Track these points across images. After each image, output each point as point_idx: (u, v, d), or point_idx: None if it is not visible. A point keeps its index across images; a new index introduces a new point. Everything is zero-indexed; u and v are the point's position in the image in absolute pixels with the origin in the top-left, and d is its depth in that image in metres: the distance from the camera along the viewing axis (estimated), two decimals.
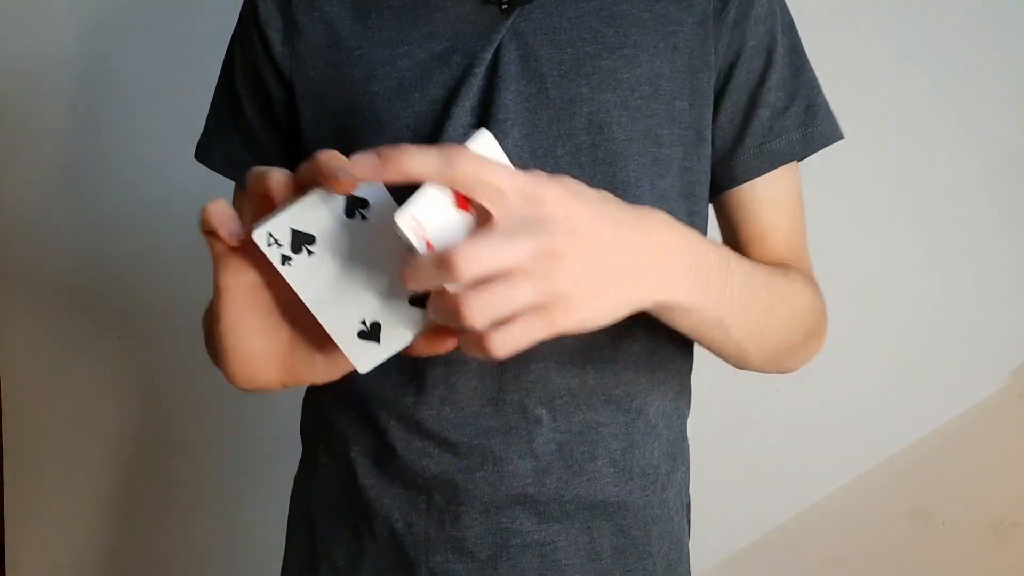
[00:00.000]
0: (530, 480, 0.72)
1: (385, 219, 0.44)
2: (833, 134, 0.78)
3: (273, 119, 0.79)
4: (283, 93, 0.77)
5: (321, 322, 0.46)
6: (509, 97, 0.70)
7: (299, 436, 0.84)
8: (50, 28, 1.34)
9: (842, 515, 1.37)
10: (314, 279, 0.45)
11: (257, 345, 0.49)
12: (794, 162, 0.78)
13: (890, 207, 1.32)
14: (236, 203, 0.83)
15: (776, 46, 0.76)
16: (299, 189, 0.46)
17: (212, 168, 0.82)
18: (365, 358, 0.47)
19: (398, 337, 0.47)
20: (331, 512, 0.78)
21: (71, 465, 1.42)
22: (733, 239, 0.80)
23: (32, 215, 1.38)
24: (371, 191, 0.45)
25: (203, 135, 0.83)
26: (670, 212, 0.71)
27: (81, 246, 1.37)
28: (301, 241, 0.44)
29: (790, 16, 0.79)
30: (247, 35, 0.78)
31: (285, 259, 0.45)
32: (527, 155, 0.71)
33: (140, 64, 1.33)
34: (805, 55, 0.79)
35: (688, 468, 0.83)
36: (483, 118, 0.70)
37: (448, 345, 0.47)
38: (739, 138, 0.76)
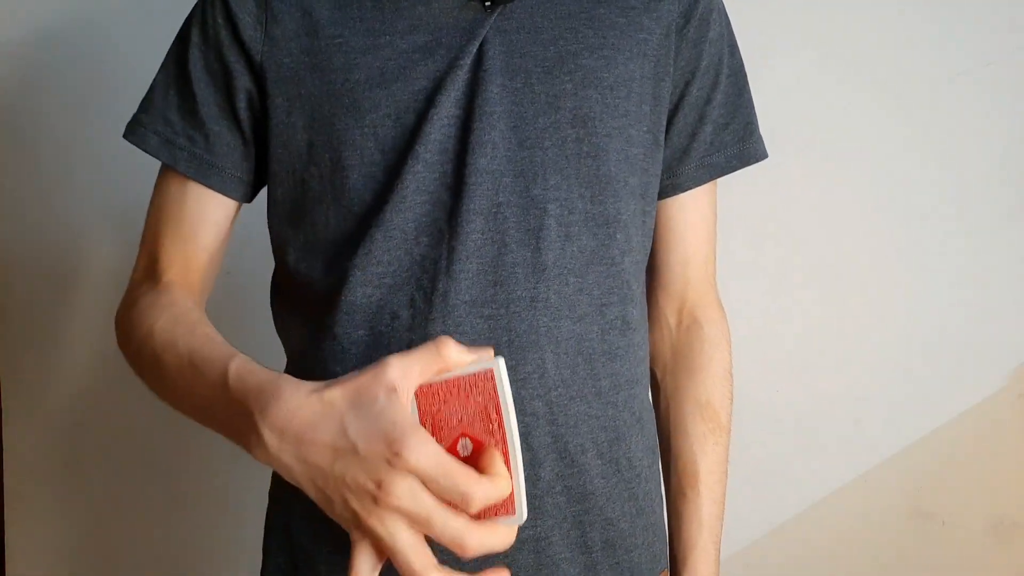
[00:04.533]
0: (525, 474, 0.72)
1: None
2: (762, 152, 0.86)
3: (228, 106, 0.78)
4: (249, 79, 0.77)
5: None
6: (495, 91, 0.72)
7: None
8: (50, 22, 1.34)
9: (842, 515, 1.37)
10: None
11: None
12: (715, 182, 0.85)
13: (890, 206, 1.32)
14: (164, 183, 0.81)
15: (723, 67, 0.82)
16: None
17: (145, 150, 0.80)
18: None
19: None
20: (311, 524, 0.77)
21: (71, 464, 1.42)
22: (659, 263, 0.86)
23: (32, 214, 1.38)
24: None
25: (139, 114, 0.81)
26: (634, 211, 0.78)
27: (81, 246, 1.37)
28: None
29: (735, 40, 0.85)
30: (211, 17, 0.77)
31: None
32: (515, 146, 0.73)
33: (142, 63, 1.33)
34: (746, 76, 0.85)
35: (660, 465, 0.87)
36: (468, 110, 0.72)
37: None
38: (686, 150, 0.83)
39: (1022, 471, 1.34)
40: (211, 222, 0.80)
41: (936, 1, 1.28)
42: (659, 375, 0.89)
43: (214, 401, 0.61)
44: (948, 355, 1.33)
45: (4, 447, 1.41)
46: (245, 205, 0.84)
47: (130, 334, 0.74)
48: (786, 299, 1.34)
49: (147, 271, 0.80)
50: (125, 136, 0.81)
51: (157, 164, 1.36)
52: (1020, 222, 1.31)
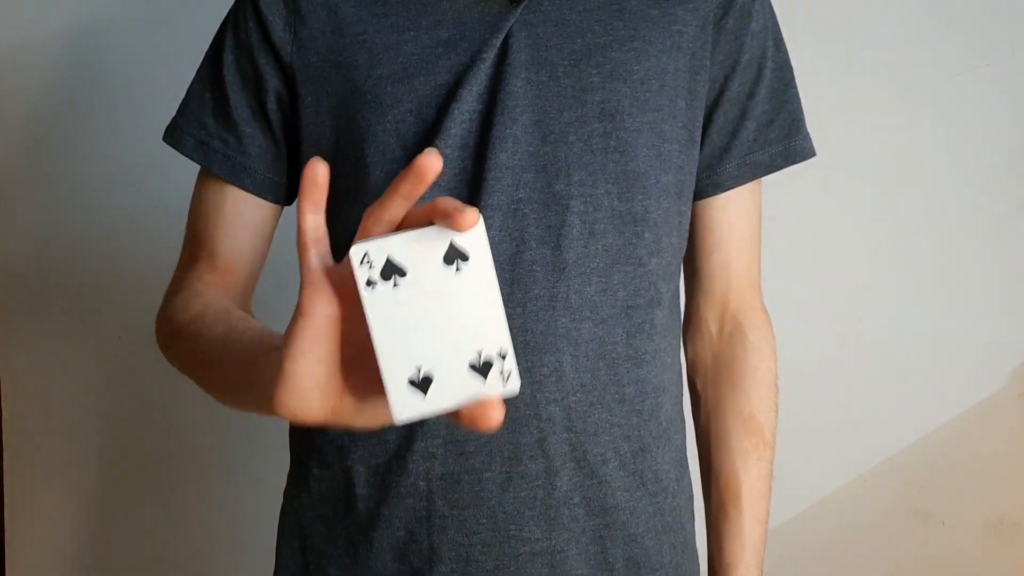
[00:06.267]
0: (540, 482, 0.70)
1: (478, 277, 0.45)
2: (810, 150, 0.81)
3: (260, 108, 0.78)
4: (279, 80, 0.77)
5: (377, 353, 0.45)
6: (518, 84, 0.70)
7: None
8: (49, 22, 1.33)
9: (842, 515, 1.37)
10: (389, 310, 0.45)
11: (319, 376, 0.47)
12: (759, 182, 0.81)
13: (890, 206, 1.32)
14: (202, 185, 0.81)
15: (767, 61, 0.79)
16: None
17: (182, 152, 0.80)
18: (405, 406, 0.46)
19: (444, 399, 0.46)
20: (324, 526, 0.76)
21: (71, 465, 1.42)
22: (699, 266, 0.83)
23: (32, 215, 1.38)
24: (475, 247, 0.44)
25: (177, 117, 0.82)
26: (667, 210, 0.74)
27: (81, 246, 1.37)
28: (392, 270, 0.44)
29: (780, 33, 0.81)
30: (243, 21, 0.78)
31: (370, 282, 0.44)
32: (539, 141, 0.71)
33: (142, 63, 1.33)
34: (792, 71, 0.81)
35: (690, 479, 0.83)
36: (490, 105, 0.70)
37: (494, 418, 0.44)
38: (727, 147, 0.79)
39: (1022, 471, 1.34)
40: (247, 223, 0.80)
41: (937, 1, 1.29)
42: (699, 385, 0.85)
43: (264, 354, 0.57)
44: (948, 355, 1.33)
45: (4, 447, 1.41)
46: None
47: (171, 320, 0.74)
48: (785, 299, 1.33)
49: (187, 270, 0.80)
50: (164, 139, 0.82)
51: (158, 166, 1.36)
52: (1020, 222, 1.32)
